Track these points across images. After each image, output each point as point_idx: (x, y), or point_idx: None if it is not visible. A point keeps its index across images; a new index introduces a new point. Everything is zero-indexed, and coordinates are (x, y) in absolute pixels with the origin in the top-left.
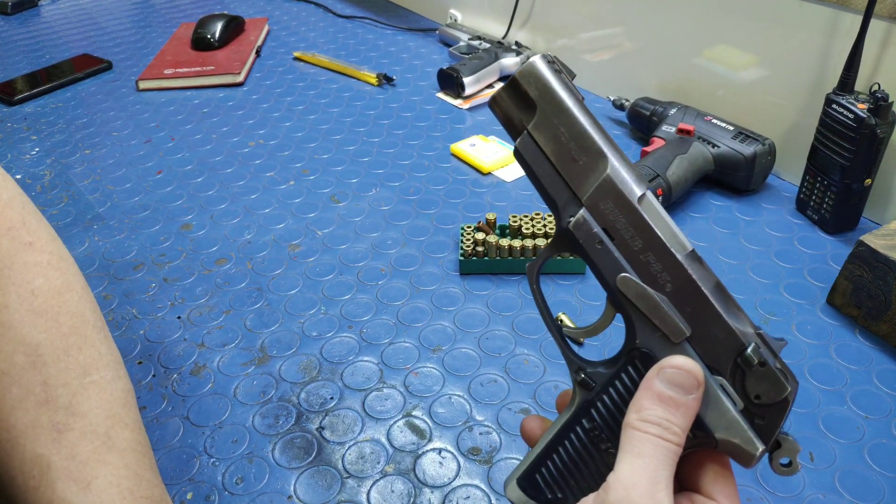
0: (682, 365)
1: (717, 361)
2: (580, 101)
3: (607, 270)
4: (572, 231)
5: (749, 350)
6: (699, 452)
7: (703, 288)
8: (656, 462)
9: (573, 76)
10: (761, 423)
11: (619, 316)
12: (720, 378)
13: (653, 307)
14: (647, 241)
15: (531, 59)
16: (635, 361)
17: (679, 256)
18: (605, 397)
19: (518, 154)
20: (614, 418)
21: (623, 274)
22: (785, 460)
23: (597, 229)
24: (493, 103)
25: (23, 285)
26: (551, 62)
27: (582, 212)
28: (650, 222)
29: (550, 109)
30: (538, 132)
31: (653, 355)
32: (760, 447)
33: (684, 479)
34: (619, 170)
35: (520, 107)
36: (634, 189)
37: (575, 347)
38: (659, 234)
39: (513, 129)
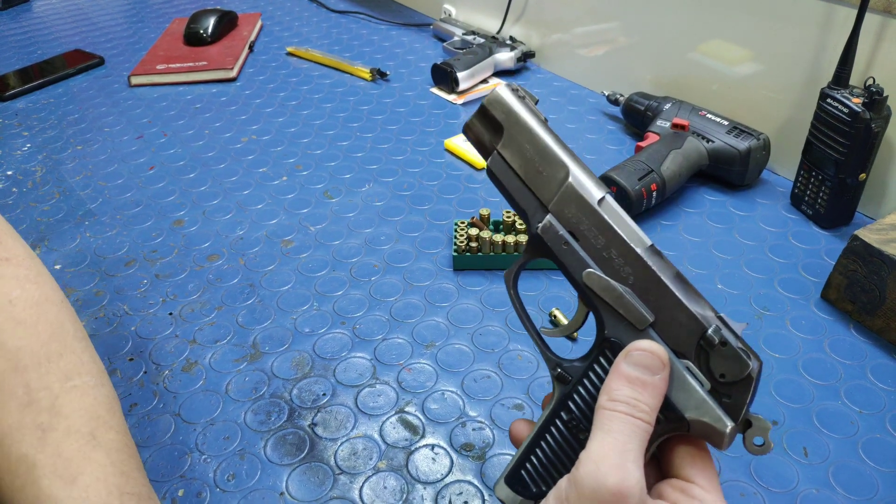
0: (646, 347)
1: (681, 345)
2: (543, 121)
3: (574, 268)
4: (541, 235)
5: (710, 331)
6: (675, 439)
7: (662, 277)
8: (625, 437)
9: (536, 101)
10: (728, 401)
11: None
12: (686, 361)
13: (617, 298)
14: (608, 238)
15: (495, 89)
16: (605, 351)
17: (639, 251)
18: (580, 388)
19: (490, 172)
20: (589, 407)
21: (588, 269)
22: (759, 440)
23: (562, 231)
24: (466, 129)
25: (0, 296)
26: (515, 90)
27: (548, 217)
28: (610, 221)
29: (515, 129)
30: (506, 150)
31: (621, 343)
32: (730, 424)
33: (664, 466)
34: (580, 177)
35: (489, 129)
36: (594, 193)
37: (569, 345)
38: (619, 231)
39: (484, 150)
